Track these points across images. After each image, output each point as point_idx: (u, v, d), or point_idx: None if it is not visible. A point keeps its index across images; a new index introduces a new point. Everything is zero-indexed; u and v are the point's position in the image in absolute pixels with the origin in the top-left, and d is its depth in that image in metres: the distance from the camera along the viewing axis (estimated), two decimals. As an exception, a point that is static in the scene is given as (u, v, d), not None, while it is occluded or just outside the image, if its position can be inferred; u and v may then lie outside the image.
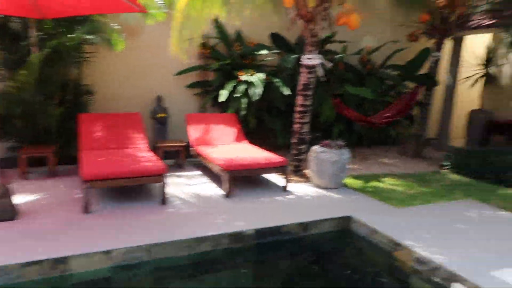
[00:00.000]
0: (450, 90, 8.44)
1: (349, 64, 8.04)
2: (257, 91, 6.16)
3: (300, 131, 5.63)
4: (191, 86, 7.12)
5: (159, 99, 6.70)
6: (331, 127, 7.71)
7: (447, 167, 6.66)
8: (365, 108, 7.78)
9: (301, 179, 5.64)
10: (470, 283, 2.93)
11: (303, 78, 5.40)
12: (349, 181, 5.64)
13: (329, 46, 7.85)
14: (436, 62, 7.31)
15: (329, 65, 5.61)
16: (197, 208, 4.34)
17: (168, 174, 5.62)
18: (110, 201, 4.46)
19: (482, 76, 8.89)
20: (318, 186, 5.26)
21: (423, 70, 7.71)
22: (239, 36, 7.25)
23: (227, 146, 5.71)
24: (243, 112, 6.26)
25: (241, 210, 4.32)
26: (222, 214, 4.18)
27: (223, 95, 6.24)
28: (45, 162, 5.44)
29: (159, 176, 4.30)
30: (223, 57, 7.03)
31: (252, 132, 7.05)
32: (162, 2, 5.61)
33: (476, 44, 9.11)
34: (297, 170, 5.81)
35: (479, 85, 9.11)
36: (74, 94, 5.96)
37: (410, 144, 7.69)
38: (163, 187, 4.35)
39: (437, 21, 7.14)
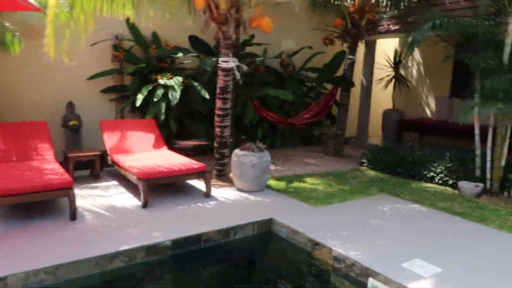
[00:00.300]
0: (366, 91, 8.90)
1: (271, 67, 8.14)
2: (176, 95, 5.95)
3: (221, 135, 5.53)
4: (107, 91, 6.71)
5: (70, 105, 6.20)
6: (256, 129, 7.73)
7: (365, 164, 6.98)
8: (287, 110, 7.92)
9: (225, 184, 5.54)
10: (383, 277, 3.02)
11: (220, 81, 5.31)
12: (272, 182, 5.65)
13: (251, 49, 7.87)
14: (351, 65, 7.64)
15: (245, 68, 5.59)
16: (110, 221, 4.04)
17: (82, 185, 5.22)
18: (14, 219, 3.99)
19: (393, 78, 9.50)
20: (241, 190, 5.19)
21: (341, 72, 8.01)
22: (156, 38, 6.98)
23: (145, 153, 5.43)
24: (162, 117, 6.01)
25: (159, 220, 4.10)
26: (138, 226, 3.93)
27: (139, 99, 5.94)
28: None
29: (66, 190, 3.93)
30: (139, 60, 6.72)
31: (175, 137, 6.82)
32: (65, 1, 5.17)
33: (388, 47, 9.73)
34: (221, 174, 5.71)
35: (391, 86, 9.73)
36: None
37: (332, 144, 7.96)
38: (72, 201, 3.98)
39: (349, 25, 7.47)
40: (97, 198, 4.72)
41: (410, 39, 5.24)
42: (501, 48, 4.85)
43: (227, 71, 5.25)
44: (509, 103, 4.64)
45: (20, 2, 4.04)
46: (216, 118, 5.50)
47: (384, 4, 7.50)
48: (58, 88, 6.33)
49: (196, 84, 6.43)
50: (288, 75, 8.07)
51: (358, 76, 9.22)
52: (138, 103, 5.94)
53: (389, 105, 9.91)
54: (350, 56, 7.64)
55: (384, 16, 8.00)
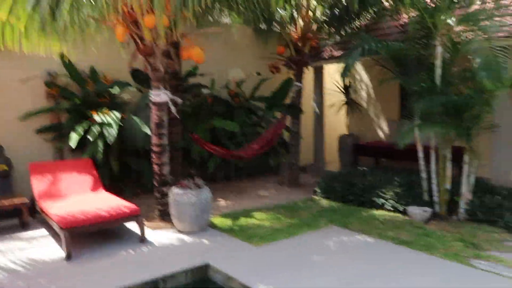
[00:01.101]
0: (318, 117, 8.84)
1: (219, 98, 7.96)
2: (112, 132, 5.62)
3: (160, 172, 5.21)
4: (42, 130, 6.30)
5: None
6: (207, 162, 7.46)
7: (318, 193, 6.79)
8: (239, 141, 7.71)
9: (167, 225, 5.18)
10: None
11: (154, 116, 5.05)
12: (217, 220, 5.35)
13: (200, 80, 7.69)
14: (299, 92, 7.58)
15: (180, 101, 5.36)
16: (25, 279, 3.61)
17: (5, 236, 4.74)
18: None
19: (345, 103, 9.52)
20: (181, 231, 4.85)
21: (289, 99, 7.92)
22: (93, 73, 6.68)
23: (77, 197, 5.03)
24: (99, 156, 5.65)
25: (80, 275, 3.70)
26: (56, 283, 3.51)
27: (73, 138, 5.57)
28: None
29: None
30: (76, 96, 6.38)
31: (118, 176, 6.44)
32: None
33: (336, 73, 9.79)
34: (163, 214, 5.35)
35: (344, 111, 9.74)
36: None
37: (287, 173, 7.77)
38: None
39: (293, 53, 7.44)
40: (15, 252, 4.26)
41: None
42: (433, 70, 4.85)
43: (160, 105, 5.00)
44: (446, 124, 4.60)
45: None
46: (153, 155, 5.19)
47: (326, 31, 7.54)
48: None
49: (136, 119, 6.14)
50: (237, 105, 7.91)
51: (309, 102, 9.20)
52: (72, 143, 5.56)
53: (344, 130, 9.90)
54: (297, 83, 7.58)
55: (328, 42, 8.04)
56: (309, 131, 9.15)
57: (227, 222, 5.26)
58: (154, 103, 4.98)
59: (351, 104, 9.52)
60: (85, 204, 4.52)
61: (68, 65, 6.41)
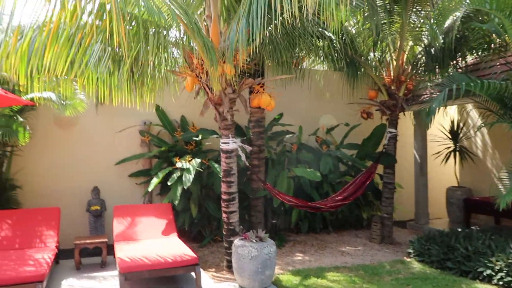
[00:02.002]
0: (421, 167, 7.90)
1: (306, 145, 7.69)
2: (189, 177, 5.74)
3: (228, 221, 5.08)
4: (135, 175, 6.80)
5: (95, 190, 6.34)
6: (290, 211, 7.15)
7: (412, 255, 5.88)
8: (325, 191, 7.25)
9: (232, 277, 4.95)
10: None
11: (223, 164, 5.01)
12: (284, 277, 4.93)
13: (287, 127, 7.60)
14: (393, 139, 6.88)
15: (249, 149, 5.23)
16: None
17: (82, 275, 5.03)
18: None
19: (453, 151, 8.36)
20: (242, 287, 4.55)
21: (382, 147, 7.25)
22: (183, 122, 7.07)
23: (147, 241, 5.16)
24: (177, 201, 5.79)
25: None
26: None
27: (153, 183, 5.85)
28: None
29: (35, 283, 3.74)
30: (166, 144, 6.79)
31: (199, 222, 6.53)
32: (83, 93, 5.50)
33: (442, 117, 8.74)
34: (230, 266, 5.15)
35: (453, 160, 8.54)
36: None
37: (377, 229, 6.97)
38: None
39: (385, 97, 6.86)
40: (83, 291, 4.47)
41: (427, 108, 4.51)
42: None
43: (229, 152, 4.95)
44: None
45: (16, 98, 4.31)
46: (222, 203, 5.11)
47: (423, 72, 6.82)
48: (87, 174, 6.56)
49: (215, 165, 6.21)
50: (325, 152, 7.52)
51: (407, 150, 8.35)
52: (150, 187, 5.84)
53: (454, 182, 8.63)
54: (391, 129, 6.91)
55: (427, 84, 7.26)
56: (409, 183, 8.22)
57: (294, 281, 4.80)
58: (224, 151, 4.96)
59: (462, 152, 8.31)
60: (150, 249, 4.59)
61: (162, 115, 6.93)
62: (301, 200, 5.85)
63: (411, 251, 5.92)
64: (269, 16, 3.22)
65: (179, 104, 6.79)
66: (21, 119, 5.13)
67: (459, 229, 6.11)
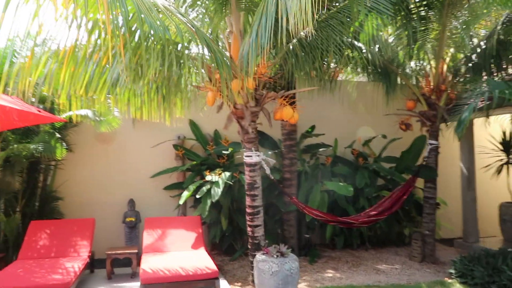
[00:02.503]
0: (468, 181, 7.37)
1: (342, 158, 7.48)
2: (218, 191, 5.78)
3: (253, 235, 5.03)
4: (169, 188, 6.96)
5: (130, 202, 6.57)
6: (325, 226, 6.95)
7: (454, 275, 5.46)
8: (361, 206, 6.97)
9: (258, 292, 4.88)
10: None
11: (247, 177, 4.98)
12: (310, 295, 4.77)
13: (322, 139, 7.47)
14: (434, 151, 6.49)
15: (272, 162, 5.17)
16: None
17: (111, 285, 5.19)
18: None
19: (506, 163, 7.73)
20: (263, 302, 4.46)
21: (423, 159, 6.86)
22: (216, 136, 7.17)
23: (174, 253, 5.24)
24: (204, 214, 5.84)
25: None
26: None
27: (183, 196, 5.95)
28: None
29: (61, 292, 3.91)
30: (198, 157, 6.91)
31: (231, 235, 6.53)
32: (116, 109, 5.76)
33: (493, 127, 8.13)
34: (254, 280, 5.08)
35: (505, 173, 7.89)
36: (40, 201, 6.07)
37: (418, 246, 6.57)
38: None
39: (425, 107, 6.51)
40: (109, 301, 4.60)
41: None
42: None
43: (252, 166, 4.92)
44: None
45: (49, 117, 4.61)
46: (247, 217, 5.07)
47: (465, 81, 6.40)
48: (125, 186, 6.83)
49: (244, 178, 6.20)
50: (361, 165, 7.26)
51: (453, 163, 7.86)
52: (181, 201, 5.95)
53: (507, 197, 7.95)
54: (431, 141, 6.54)
55: (472, 93, 6.79)
56: (456, 198, 7.70)
57: (320, 299, 4.63)
58: (248, 164, 4.95)
59: (516, 165, 7.68)
60: (174, 262, 4.65)
61: (195, 129, 7.09)
62: (330, 214, 5.67)
63: (453, 271, 5.50)
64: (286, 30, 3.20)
65: (212, 118, 6.89)
66: (58, 136, 5.46)
67: (510, 249, 5.59)
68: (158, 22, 3.43)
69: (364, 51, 6.15)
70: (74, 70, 3.93)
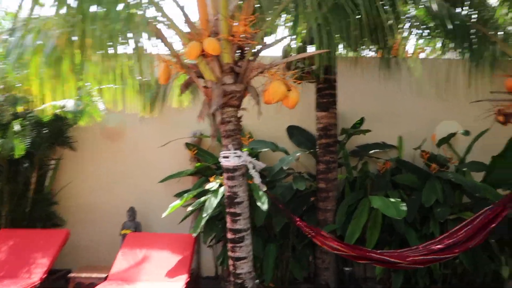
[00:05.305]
0: None
1: (409, 163, 5.43)
2: (211, 203, 4.35)
3: (235, 272, 3.46)
4: (180, 195, 5.72)
5: (130, 211, 5.50)
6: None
7: None
8: (430, 230, 4.88)
9: None
10: None
11: (226, 187, 3.43)
12: None
13: (381, 137, 5.57)
14: (549, 155, 4.17)
15: (262, 166, 3.49)
16: None
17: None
18: None
19: None
20: None
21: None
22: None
23: (145, 284, 3.95)
24: (195, 232, 4.46)
25: None
26: None
27: (170, 208, 4.63)
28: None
29: None
30: (213, 158, 5.55)
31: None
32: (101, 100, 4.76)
33: None
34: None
35: None
36: (32, 205, 5.36)
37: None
38: None
39: (536, 86, 4.23)
40: None
41: None
42: None
43: (231, 171, 3.36)
44: None
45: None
46: (228, 245, 3.53)
47: None
48: (131, 191, 5.82)
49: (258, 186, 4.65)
50: (434, 174, 5.13)
51: None
52: (164, 214, 4.63)
53: None
54: (544, 140, 4.22)
55: None
56: None
57: None
58: (226, 169, 3.42)
59: None
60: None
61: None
62: (358, 247, 3.79)
63: None
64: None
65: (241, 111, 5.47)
66: (17, 129, 4.58)
67: None
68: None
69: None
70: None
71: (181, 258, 4.36)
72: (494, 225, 3.93)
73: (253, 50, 3.34)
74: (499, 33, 4.39)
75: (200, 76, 3.35)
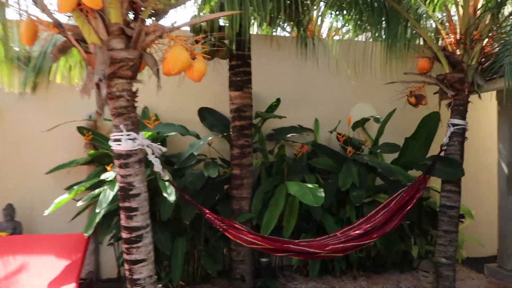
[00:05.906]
0: (510, 181, 5.06)
1: (326, 147, 5.22)
2: (106, 197, 3.68)
3: (131, 277, 2.88)
4: (71, 188, 4.88)
5: (7, 209, 4.54)
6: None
7: None
8: (347, 215, 4.75)
9: None
10: None
11: (118, 177, 2.82)
12: None
13: (297, 120, 5.28)
14: (458, 136, 4.20)
15: (163, 150, 2.97)
16: None
17: None
18: None
19: None
20: None
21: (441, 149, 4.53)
22: (145, 115, 5.03)
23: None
24: (87, 232, 3.77)
25: None
26: None
27: (54, 205, 3.86)
28: None
29: None
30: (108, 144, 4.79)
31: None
32: None
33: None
34: None
35: None
36: None
37: (429, 281, 4.32)
38: None
39: (446, 68, 4.21)
40: None
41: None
42: None
43: (123, 157, 2.76)
44: None
45: None
46: (122, 246, 2.93)
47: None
48: (7, 186, 4.82)
49: (166, 177, 4.05)
50: (350, 157, 5.00)
51: (486, 155, 5.57)
52: (46, 212, 3.85)
53: None
54: (455, 120, 4.23)
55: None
56: (489, 205, 5.41)
57: None
58: (115, 155, 2.79)
59: None
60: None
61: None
62: (274, 239, 3.44)
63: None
64: None
65: (146, 90, 4.65)
66: None
67: None
68: None
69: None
70: None
71: (69, 263, 3.63)
72: (410, 207, 3.86)
73: (151, 11, 2.75)
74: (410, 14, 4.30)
75: (82, 39, 2.66)
